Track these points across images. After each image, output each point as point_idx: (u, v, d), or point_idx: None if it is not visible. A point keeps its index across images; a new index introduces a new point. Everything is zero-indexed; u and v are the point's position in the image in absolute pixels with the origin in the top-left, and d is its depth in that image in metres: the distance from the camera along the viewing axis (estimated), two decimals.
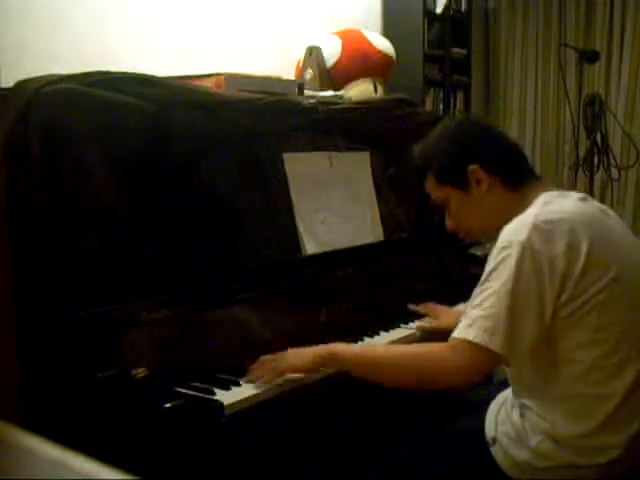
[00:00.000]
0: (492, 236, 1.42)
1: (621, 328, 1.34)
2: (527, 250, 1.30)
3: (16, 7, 1.86)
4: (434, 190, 1.57)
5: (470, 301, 1.37)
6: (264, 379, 1.44)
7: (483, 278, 1.35)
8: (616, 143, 3.69)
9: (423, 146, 1.58)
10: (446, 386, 1.39)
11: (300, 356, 1.47)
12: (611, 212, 1.48)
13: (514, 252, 1.30)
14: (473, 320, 1.32)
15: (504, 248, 1.33)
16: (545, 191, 1.45)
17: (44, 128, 1.37)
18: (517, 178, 1.49)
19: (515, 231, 1.34)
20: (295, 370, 1.47)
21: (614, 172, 3.55)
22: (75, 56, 1.89)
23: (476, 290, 1.36)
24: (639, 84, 3.74)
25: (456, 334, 1.35)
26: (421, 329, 1.87)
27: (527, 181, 1.49)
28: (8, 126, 1.38)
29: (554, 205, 1.38)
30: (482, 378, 1.38)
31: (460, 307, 1.90)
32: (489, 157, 1.49)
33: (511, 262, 1.30)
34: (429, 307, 1.96)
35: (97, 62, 1.60)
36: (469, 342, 1.31)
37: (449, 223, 1.58)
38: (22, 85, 1.43)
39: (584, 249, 1.31)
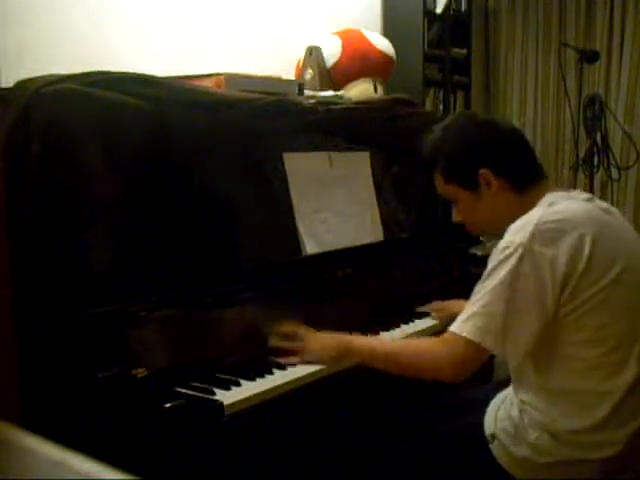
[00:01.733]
0: (497, 233, 1.42)
1: (623, 326, 1.34)
2: (527, 251, 1.31)
3: (16, 7, 1.86)
4: (441, 186, 1.56)
5: (471, 297, 1.38)
6: (289, 359, 1.54)
7: (483, 276, 1.37)
8: (616, 143, 3.69)
9: (432, 140, 1.55)
10: (438, 378, 1.39)
11: (323, 349, 1.53)
12: (616, 212, 1.48)
13: (514, 253, 1.31)
14: (468, 316, 1.34)
15: (505, 248, 1.34)
16: (551, 191, 1.45)
17: (44, 128, 1.37)
18: (526, 180, 1.48)
19: (517, 232, 1.34)
20: (314, 362, 1.54)
21: (614, 172, 3.55)
22: (75, 56, 1.89)
23: (476, 287, 1.37)
24: (639, 84, 3.74)
25: (451, 328, 1.37)
26: (440, 318, 1.92)
27: (535, 182, 1.49)
28: (8, 126, 1.38)
29: (559, 206, 1.39)
30: (470, 373, 1.38)
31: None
32: (500, 161, 1.48)
33: (510, 262, 1.31)
34: (437, 305, 1.98)
35: (97, 62, 1.60)
36: (461, 337, 1.33)
37: (456, 217, 1.58)
38: (22, 85, 1.43)
39: (587, 249, 1.31)
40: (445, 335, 1.38)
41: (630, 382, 1.34)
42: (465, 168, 1.49)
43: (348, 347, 1.51)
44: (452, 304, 1.95)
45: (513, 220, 1.39)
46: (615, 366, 1.34)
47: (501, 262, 1.33)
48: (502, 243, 1.36)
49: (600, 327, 1.33)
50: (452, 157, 1.51)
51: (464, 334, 1.33)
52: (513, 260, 1.31)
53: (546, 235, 1.32)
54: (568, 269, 1.30)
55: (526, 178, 1.49)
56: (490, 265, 1.36)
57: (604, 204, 1.48)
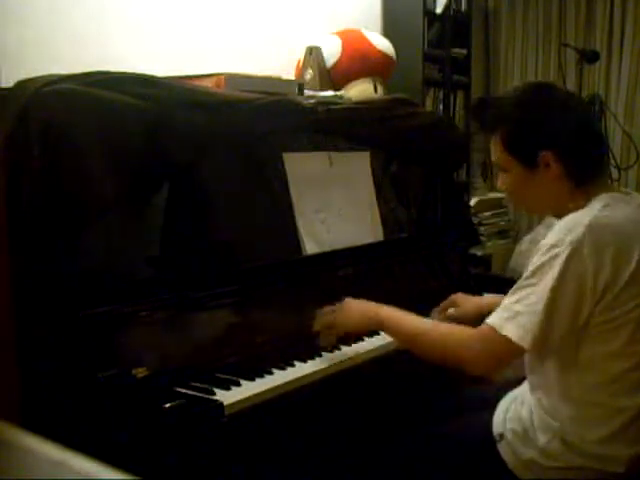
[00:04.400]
0: (540, 215, 1.38)
1: None
2: (576, 252, 1.27)
3: (16, 7, 1.86)
4: (497, 153, 1.46)
5: (511, 292, 1.35)
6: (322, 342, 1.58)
7: (528, 273, 1.33)
8: (616, 143, 3.69)
9: (502, 101, 1.47)
10: (465, 368, 1.38)
11: (350, 317, 1.56)
12: None
13: (564, 251, 1.28)
14: (511, 313, 1.31)
15: (554, 246, 1.30)
16: (608, 190, 1.40)
17: (44, 128, 1.37)
18: (587, 174, 1.41)
19: (568, 230, 1.30)
20: (347, 330, 1.58)
21: (614, 172, 3.55)
22: (75, 56, 1.89)
23: (520, 282, 1.34)
24: (639, 84, 3.74)
25: (490, 322, 1.33)
26: (447, 316, 1.86)
27: (596, 178, 1.42)
28: (8, 126, 1.38)
29: (613, 210, 1.34)
30: (501, 370, 1.38)
31: (486, 298, 1.91)
32: (567, 147, 1.39)
33: (559, 262, 1.28)
34: (452, 297, 1.90)
35: (97, 62, 1.59)
36: (502, 335, 1.30)
37: (501, 185, 1.51)
38: (22, 85, 1.43)
39: (634, 262, 1.29)
40: (484, 328, 1.35)
41: None
42: (529, 144, 1.40)
43: (377, 312, 1.52)
44: (465, 301, 1.86)
45: (560, 209, 1.36)
46: (634, 384, 1.33)
47: (549, 261, 1.29)
48: (550, 239, 1.31)
49: (631, 342, 1.31)
50: (519, 128, 1.42)
51: (505, 332, 1.30)
52: (561, 259, 1.27)
53: (597, 239, 1.28)
54: (611, 279, 1.28)
55: (588, 172, 1.41)
56: (537, 261, 1.31)
57: None
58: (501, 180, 1.50)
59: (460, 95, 3.71)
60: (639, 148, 3.50)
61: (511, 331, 1.30)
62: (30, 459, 1.01)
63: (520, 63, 4.14)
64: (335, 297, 1.66)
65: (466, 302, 1.88)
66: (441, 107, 3.52)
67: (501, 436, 1.44)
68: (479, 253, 2.40)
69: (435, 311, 1.89)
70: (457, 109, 3.64)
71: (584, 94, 3.37)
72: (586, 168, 1.41)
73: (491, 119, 1.47)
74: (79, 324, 1.34)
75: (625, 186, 3.79)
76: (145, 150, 1.52)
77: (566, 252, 1.27)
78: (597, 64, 3.66)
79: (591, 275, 1.27)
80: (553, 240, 1.31)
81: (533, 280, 1.31)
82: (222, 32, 2.42)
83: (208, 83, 1.79)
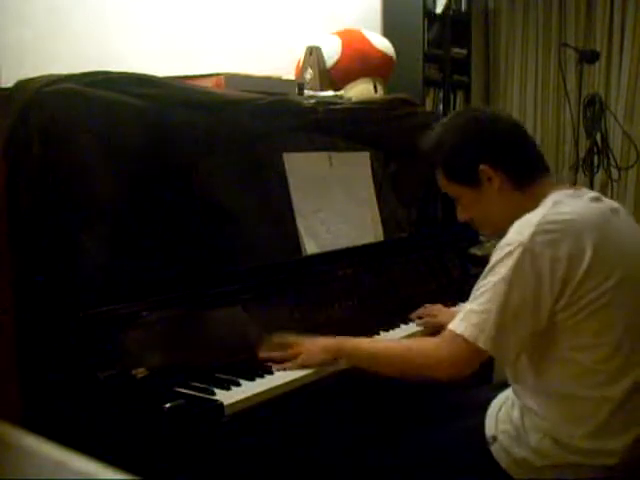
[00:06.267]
0: (502, 233, 1.41)
1: (622, 333, 1.33)
2: (528, 251, 1.29)
3: (16, 7, 1.87)
4: (444, 185, 1.54)
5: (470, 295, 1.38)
6: (283, 366, 1.51)
7: (483, 273, 1.36)
8: (616, 143, 3.69)
9: (431, 141, 1.54)
10: (434, 376, 1.39)
11: (314, 354, 1.52)
12: (622, 211, 1.46)
13: (515, 252, 1.30)
14: (465, 314, 1.34)
15: (506, 245, 1.33)
16: (557, 189, 1.43)
17: (44, 128, 1.37)
18: (527, 177, 1.46)
19: (519, 231, 1.33)
20: (308, 367, 1.52)
21: (614, 172, 3.55)
22: (75, 56, 1.89)
23: (476, 285, 1.37)
24: (639, 84, 3.74)
25: (449, 325, 1.37)
26: (424, 324, 1.88)
27: (538, 178, 1.47)
28: (8, 126, 1.38)
29: (564, 206, 1.37)
30: (467, 373, 1.38)
31: (459, 307, 1.91)
32: (499, 156, 1.45)
33: (510, 262, 1.30)
34: (427, 308, 1.95)
35: (97, 62, 1.60)
36: (458, 335, 1.33)
37: (460, 215, 1.56)
38: (22, 85, 1.43)
39: (588, 253, 1.30)
40: (444, 333, 1.38)
41: (627, 390, 1.33)
42: (464, 165, 1.48)
43: (339, 347, 1.52)
44: (440, 312, 1.91)
45: (515, 217, 1.37)
46: (612, 373, 1.33)
47: (501, 260, 1.32)
48: (504, 240, 1.35)
49: (599, 333, 1.32)
50: (451, 154, 1.50)
51: (459, 331, 1.33)
52: (513, 259, 1.30)
53: (548, 236, 1.30)
54: (567, 273, 1.29)
55: (527, 174, 1.46)
56: (490, 263, 1.35)
57: (611, 203, 1.45)
58: (459, 210, 1.56)
59: (460, 95, 3.72)
60: (639, 148, 3.50)
61: (466, 330, 1.32)
62: (30, 459, 1.01)
63: (520, 63, 4.14)
64: (335, 297, 1.66)
65: (441, 313, 1.90)
66: (441, 107, 3.52)
67: (494, 438, 1.44)
68: (479, 253, 2.39)
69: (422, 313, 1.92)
70: (457, 109, 3.65)
71: (584, 94, 3.37)
72: (524, 170, 1.47)
73: (430, 157, 1.55)
74: (79, 324, 1.34)
75: (625, 186, 3.80)
76: (145, 150, 1.52)
77: (517, 252, 1.30)
78: (597, 64, 3.67)
79: (547, 272, 1.29)
80: (506, 240, 1.34)
81: (486, 280, 1.34)
82: (222, 32, 2.43)
83: (208, 83, 1.79)
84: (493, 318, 1.30)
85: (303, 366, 1.51)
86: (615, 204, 1.47)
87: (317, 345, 1.54)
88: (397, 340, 1.51)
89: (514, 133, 1.51)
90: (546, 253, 1.29)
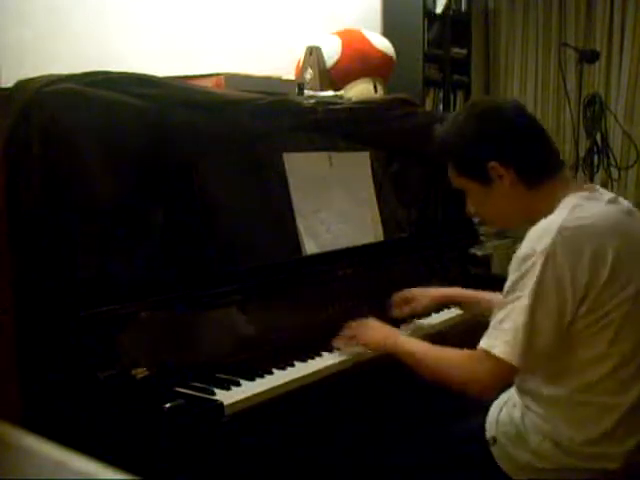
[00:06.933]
0: (510, 229, 1.40)
1: (635, 342, 1.32)
2: (550, 259, 1.27)
3: (16, 7, 1.87)
4: (454, 178, 1.52)
5: (497, 309, 1.35)
6: (343, 347, 1.65)
7: (508, 288, 1.33)
8: (616, 143, 3.70)
9: (442, 134, 1.51)
10: (466, 392, 1.38)
11: (373, 336, 1.63)
12: (637, 213, 1.43)
13: (537, 261, 1.27)
14: (496, 332, 1.32)
15: (527, 257, 1.30)
16: (572, 190, 1.39)
17: (44, 128, 1.37)
18: (541, 175, 1.42)
19: (539, 239, 1.30)
20: (366, 346, 1.64)
21: (614, 172, 3.56)
22: (75, 56, 1.89)
23: (503, 299, 1.34)
24: (639, 84, 3.75)
25: (482, 344, 1.34)
26: (404, 314, 1.90)
27: (552, 176, 1.43)
28: (9, 126, 1.38)
29: (582, 210, 1.33)
30: (500, 390, 1.38)
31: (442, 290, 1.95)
32: (508, 153, 1.42)
33: (534, 273, 1.27)
34: (397, 296, 1.93)
35: (97, 62, 1.60)
36: (490, 354, 1.31)
37: (469, 209, 1.55)
38: (22, 85, 1.43)
39: (609, 259, 1.28)
40: (475, 351, 1.35)
41: (634, 399, 1.32)
42: (473, 161, 1.45)
43: (396, 342, 1.55)
44: (414, 298, 1.89)
45: (527, 215, 1.36)
46: (622, 382, 1.32)
47: (525, 273, 1.29)
48: (523, 250, 1.32)
49: (614, 342, 1.30)
50: (460, 150, 1.47)
51: (494, 352, 1.30)
52: (536, 271, 1.27)
53: (568, 243, 1.27)
54: (590, 279, 1.27)
55: (537, 171, 1.43)
56: (513, 276, 1.32)
57: (627, 205, 1.42)
58: (468, 204, 1.54)
59: (460, 95, 3.72)
60: (639, 148, 3.50)
61: (499, 349, 1.30)
62: (30, 459, 1.01)
63: (520, 63, 4.14)
64: (335, 297, 1.66)
65: (422, 296, 1.90)
66: (441, 107, 3.52)
67: (494, 439, 1.44)
68: (479, 253, 2.39)
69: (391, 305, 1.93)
70: (457, 109, 3.65)
71: (584, 94, 3.38)
72: (536, 167, 1.43)
73: (440, 152, 1.53)
74: (79, 324, 1.34)
75: (625, 186, 3.80)
76: (145, 150, 1.52)
77: (540, 261, 1.27)
78: (597, 64, 3.67)
79: (569, 280, 1.27)
80: (525, 251, 1.31)
81: (512, 296, 1.31)
82: (222, 32, 2.43)
83: (208, 83, 1.79)
84: (522, 334, 1.28)
85: (361, 342, 1.63)
86: (630, 205, 1.44)
87: (378, 328, 1.64)
88: (441, 350, 1.49)
89: (523, 128, 1.46)
90: (568, 260, 1.27)
